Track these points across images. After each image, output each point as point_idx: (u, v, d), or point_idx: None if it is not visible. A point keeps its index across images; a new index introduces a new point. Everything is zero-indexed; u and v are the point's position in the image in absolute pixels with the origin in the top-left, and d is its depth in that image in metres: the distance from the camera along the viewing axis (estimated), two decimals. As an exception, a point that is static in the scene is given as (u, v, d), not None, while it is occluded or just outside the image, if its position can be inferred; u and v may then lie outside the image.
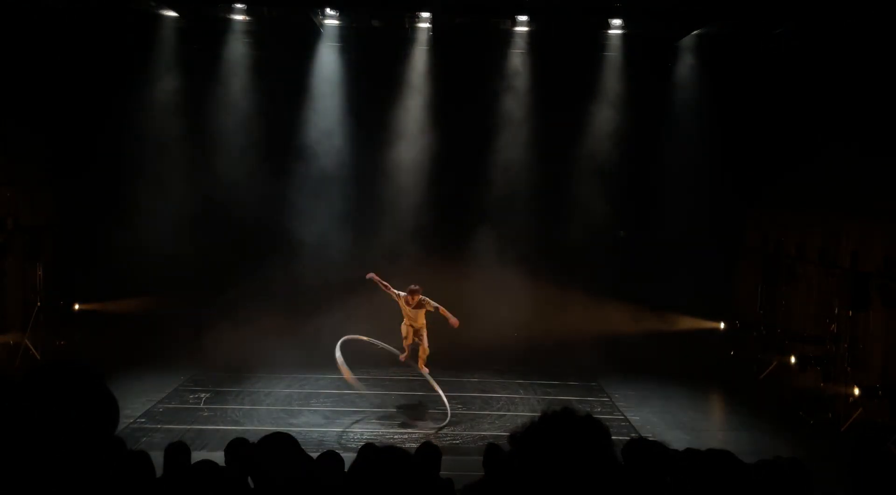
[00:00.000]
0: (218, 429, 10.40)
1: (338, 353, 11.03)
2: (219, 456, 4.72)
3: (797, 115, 13.46)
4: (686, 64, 15.00)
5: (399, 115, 15.12)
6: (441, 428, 10.80)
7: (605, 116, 15.15)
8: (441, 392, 11.40)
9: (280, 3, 13.96)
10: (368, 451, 3.23)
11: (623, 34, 14.53)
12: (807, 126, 13.12)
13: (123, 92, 14.46)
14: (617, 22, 14.08)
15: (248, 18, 14.50)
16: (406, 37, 14.80)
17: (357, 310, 13.85)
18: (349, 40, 14.93)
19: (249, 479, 3.99)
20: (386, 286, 11.38)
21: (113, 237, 14.46)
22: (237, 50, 14.89)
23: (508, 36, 14.72)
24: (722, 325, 15.47)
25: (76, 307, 14.49)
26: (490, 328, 14.46)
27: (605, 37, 14.71)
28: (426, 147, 15.07)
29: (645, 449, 4.27)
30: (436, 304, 11.19)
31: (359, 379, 11.17)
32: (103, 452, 2.07)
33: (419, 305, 11.21)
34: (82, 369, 2.11)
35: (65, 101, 14.14)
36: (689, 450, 4.56)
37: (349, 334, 11.68)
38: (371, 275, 11.46)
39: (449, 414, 11.06)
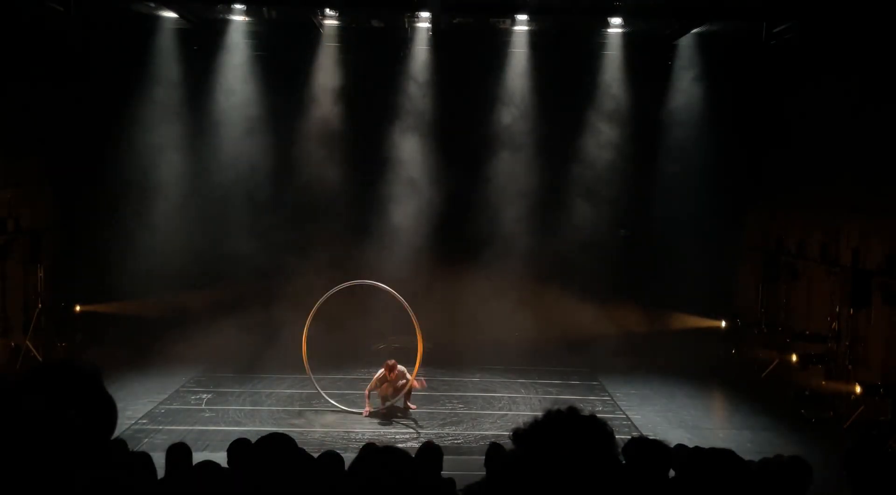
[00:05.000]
0: (219, 430, 10.41)
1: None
2: (221, 457, 4.72)
3: (797, 113, 13.45)
4: (685, 62, 15.00)
5: (399, 115, 15.09)
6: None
7: (604, 115, 15.15)
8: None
9: (280, 3, 13.96)
10: (369, 451, 3.23)
11: (622, 33, 14.55)
12: (807, 123, 13.11)
13: (124, 94, 14.46)
14: (616, 20, 14.09)
15: (247, 19, 14.50)
16: (405, 37, 14.80)
17: (358, 312, 13.90)
18: (349, 40, 14.92)
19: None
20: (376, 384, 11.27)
21: (113, 239, 14.48)
22: (237, 51, 14.89)
23: (508, 35, 14.73)
24: (723, 324, 15.46)
25: (77, 309, 14.49)
26: (491, 328, 14.48)
27: (605, 35, 14.73)
28: (427, 147, 15.07)
29: (646, 448, 4.27)
30: (408, 377, 11.20)
31: (361, 380, 11.19)
32: (102, 453, 2.07)
33: (398, 377, 11.17)
34: (80, 370, 2.11)
35: (65, 103, 14.14)
36: (688, 448, 4.56)
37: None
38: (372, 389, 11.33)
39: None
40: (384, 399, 11.24)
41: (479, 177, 15.25)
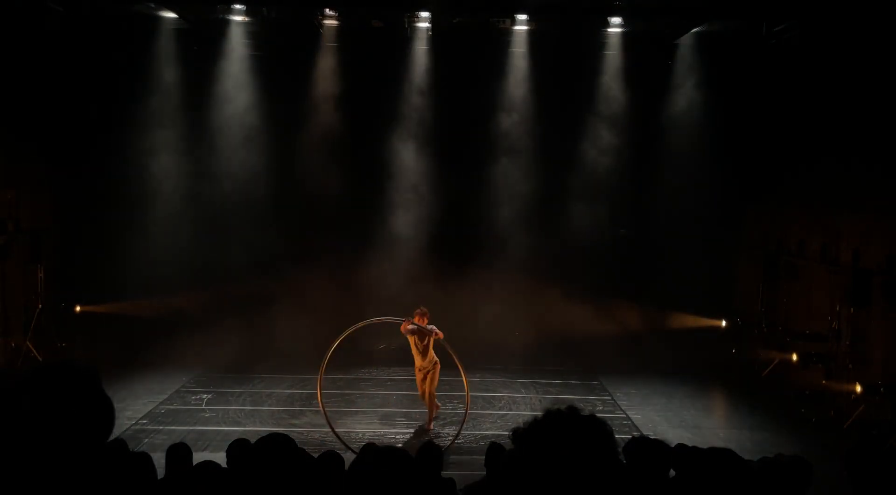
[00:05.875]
0: (220, 430, 10.40)
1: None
2: (221, 457, 4.72)
3: (798, 113, 13.45)
4: (685, 62, 15.00)
5: (398, 117, 15.09)
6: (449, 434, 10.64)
7: (604, 115, 15.15)
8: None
9: (280, 3, 13.96)
10: (369, 451, 3.23)
11: (623, 32, 14.55)
12: (807, 123, 13.11)
13: (124, 94, 14.47)
14: (616, 20, 14.09)
15: (247, 19, 14.50)
16: (405, 36, 14.80)
17: (359, 312, 13.87)
18: (349, 40, 14.92)
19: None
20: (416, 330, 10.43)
21: (113, 239, 14.49)
22: (237, 51, 14.89)
23: (508, 35, 14.73)
24: (723, 323, 15.48)
25: (77, 309, 14.51)
26: (492, 327, 14.48)
27: (605, 35, 14.73)
28: (426, 148, 15.06)
29: (646, 447, 4.27)
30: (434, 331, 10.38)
31: (361, 380, 11.17)
32: (100, 453, 2.06)
33: (425, 334, 10.41)
34: (77, 371, 2.11)
35: (65, 103, 14.15)
36: (688, 448, 4.57)
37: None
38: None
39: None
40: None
41: (479, 178, 15.24)
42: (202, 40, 14.86)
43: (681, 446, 4.98)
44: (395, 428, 10.83)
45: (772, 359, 13.75)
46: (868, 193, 11.49)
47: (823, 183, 12.56)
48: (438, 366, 10.59)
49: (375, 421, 11.06)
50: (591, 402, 12.21)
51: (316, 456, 4.69)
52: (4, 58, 12.58)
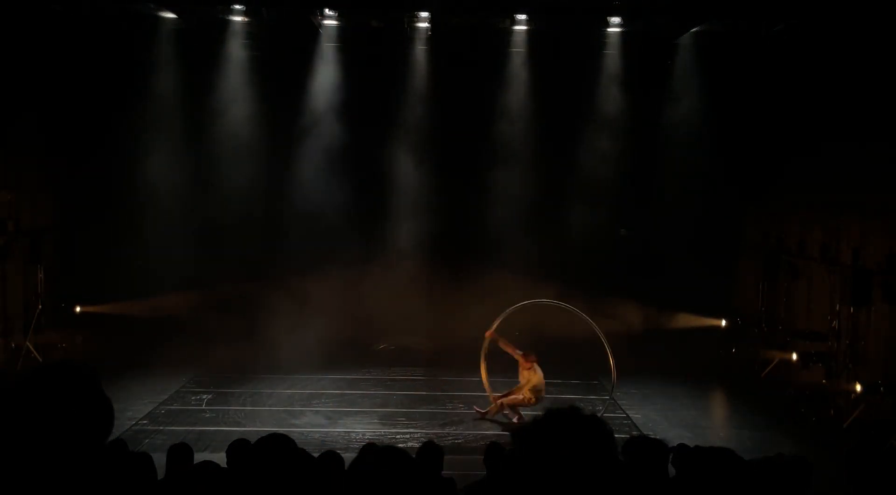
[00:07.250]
0: (220, 431, 10.40)
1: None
2: (221, 458, 4.72)
3: (797, 111, 13.46)
4: (685, 61, 14.99)
5: (398, 117, 15.08)
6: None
7: (603, 114, 15.15)
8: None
9: (279, 4, 13.96)
10: (369, 451, 3.23)
11: (622, 32, 14.55)
12: (807, 122, 13.11)
13: (123, 94, 14.47)
14: (616, 20, 14.09)
15: (246, 20, 14.50)
16: (405, 37, 14.79)
17: (359, 314, 13.89)
18: (348, 41, 14.91)
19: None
20: (506, 344, 11.24)
21: (114, 239, 14.49)
22: (235, 51, 14.89)
23: (507, 35, 14.73)
24: (723, 322, 15.47)
25: (77, 309, 14.51)
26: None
27: (604, 35, 14.73)
28: (427, 149, 15.06)
29: (645, 446, 4.27)
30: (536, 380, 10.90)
31: (361, 380, 11.15)
32: (99, 454, 2.06)
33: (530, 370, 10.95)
34: (77, 371, 2.11)
35: (65, 104, 14.16)
36: (689, 448, 4.56)
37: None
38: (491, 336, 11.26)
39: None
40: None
41: (479, 179, 15.22)
42: (201, 41, 14.85)
43: (681, 446, 4.98)
44: (395, 428, 10.83)
45: (772, 358, 13.74)
46: (868, 193, 11.48)
47: (823, 182, 12.55)
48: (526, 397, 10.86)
49: (375, 421, 11.06)
50: (591, 402, 12.20)
51: (316, 456, 4.69)
52: (4, 57, 12.58)
